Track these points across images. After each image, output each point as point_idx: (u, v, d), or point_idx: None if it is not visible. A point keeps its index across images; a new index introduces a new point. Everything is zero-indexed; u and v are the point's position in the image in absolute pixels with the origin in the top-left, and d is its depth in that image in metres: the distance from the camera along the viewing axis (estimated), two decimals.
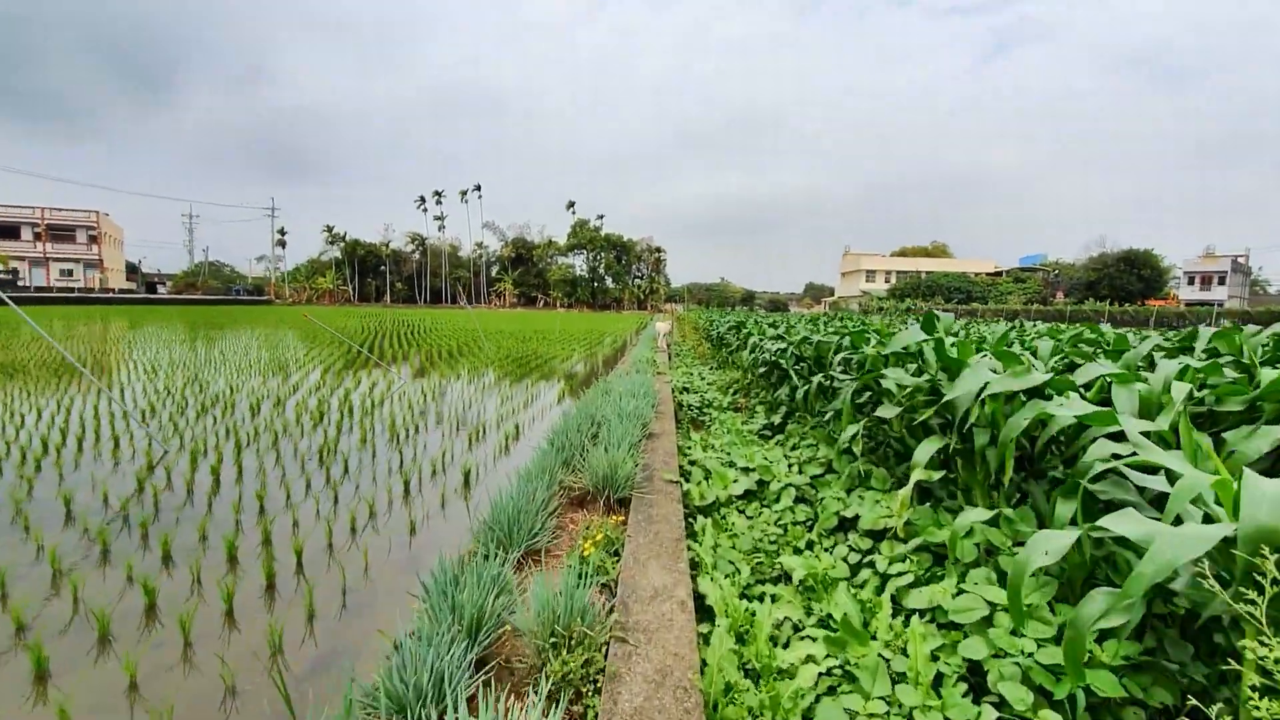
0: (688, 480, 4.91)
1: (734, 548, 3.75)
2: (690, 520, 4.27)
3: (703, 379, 10.78)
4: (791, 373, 5.61)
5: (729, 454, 5.47)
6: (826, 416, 4.83)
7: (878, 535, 3.55)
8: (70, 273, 71.44)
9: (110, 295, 60.95)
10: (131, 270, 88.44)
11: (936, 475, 3.05)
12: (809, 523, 4.09)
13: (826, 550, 3.78)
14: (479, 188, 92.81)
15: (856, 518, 3.77)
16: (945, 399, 3.06)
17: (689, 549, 3.62)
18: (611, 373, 12.36)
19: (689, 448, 5.91)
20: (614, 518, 3.70)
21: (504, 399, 9.64)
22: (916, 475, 3.00)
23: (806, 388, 5.14)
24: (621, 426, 5.25)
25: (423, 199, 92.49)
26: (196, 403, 8.38)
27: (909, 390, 3.58)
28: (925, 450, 3.05)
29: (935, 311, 4.13)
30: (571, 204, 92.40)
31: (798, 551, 3.83)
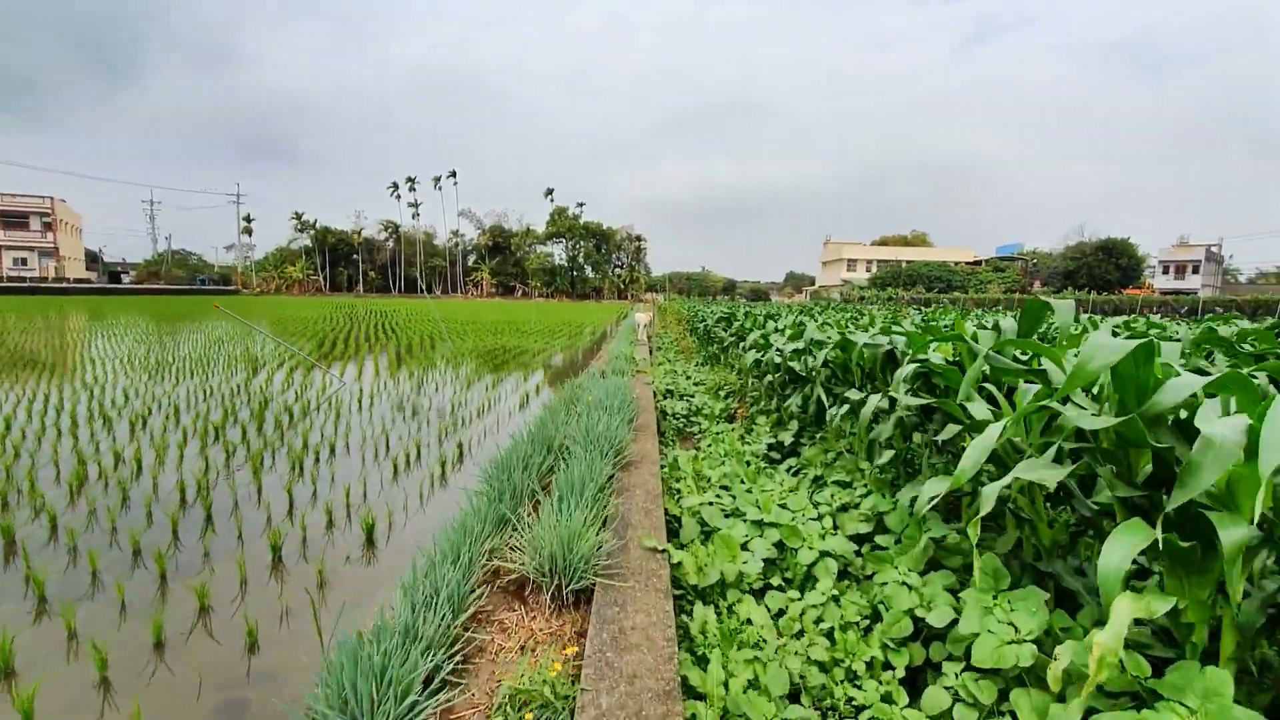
0: (677, 536, 3.49)
1: (756, 685, 2.33)
2: (684, 607, 2.86)
3: (689, 378, 9.36)
4: (821, 390, 4.19)
5: (732, 494, 4.05)
6: (881, 459, 3.40)
7: (991, 669, 2.16)
8: (25, 261, 67.92)
9: (64, 285, 57.81)
10: (92, 259, 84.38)
11: (1163, 605, 1.63)
12: (864, 623, 2.69)
13: (901, 680, 2.38)
14: (454, 174, 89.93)
15: (951, 625, 2.38)
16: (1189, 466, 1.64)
17: (684, 680, 2.22)
18: (585, 370, 10.93)
19: (677, 480, 4.48)
20: (559, 654, 2.26)
21: (455, 405, 8.13)
22: (1128, 608, 1.58)
23: (842, 409, 3.71)
24: (586, 460, 3.80)
25: (395, 185, 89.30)
26: (69, 417, 6.75)
27: (1066, 433, 2.17)
28: (1121, 548, 1.63)
29: (1045, 299, 2.73)
30: (550, 191, 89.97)
31: (853, 680, 2.43)
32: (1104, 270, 69.34)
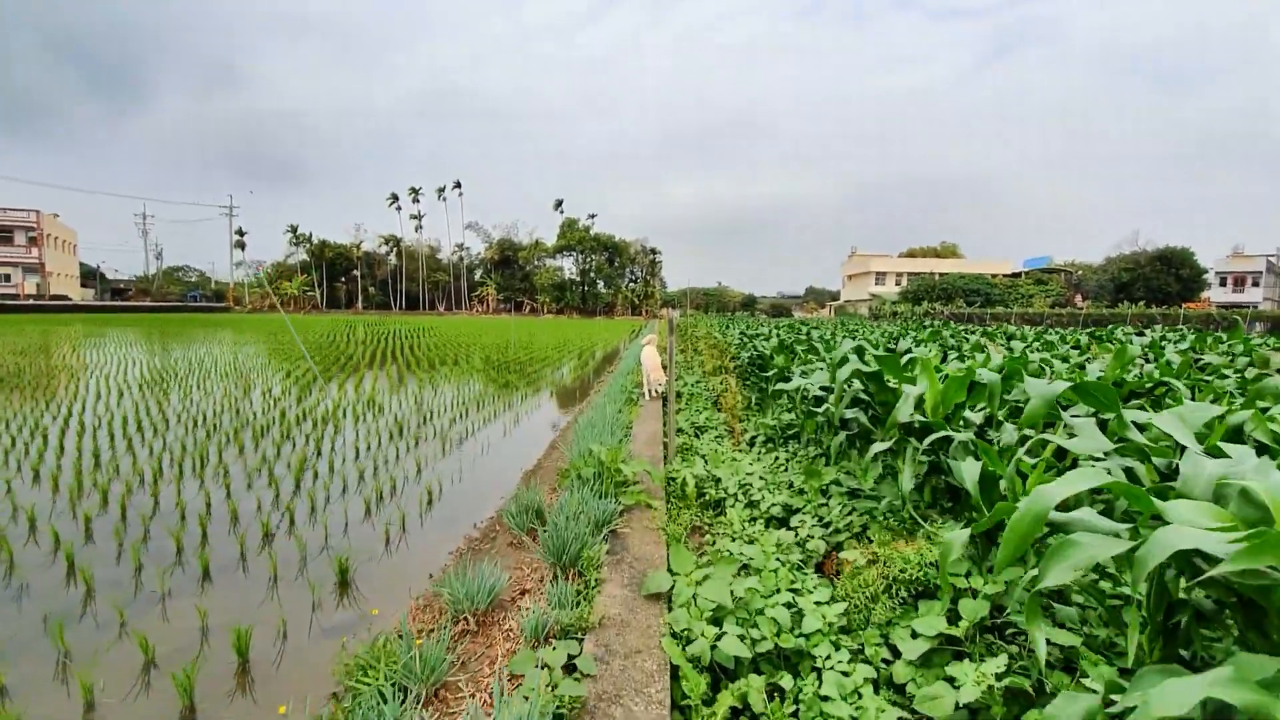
0: None
1: None
2: None
3: (765, 540, 3.78)
4: None
5: None
6: None
7: None
8: (8, 278, 64.13)
9: (29, 304, 53.73)
10: (89, 275, 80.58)
11: None
12: None
13: None
14: (459, 185, 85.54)
15: None
16: None
17: None
18: (531, 483, 5.47)
19: None
20: None
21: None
22: None
23: None
24: None
25: (395, 197, 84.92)
26: None
27: None
28: None
29: None
30: (560, 203, 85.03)
31: None
32: (1162, 282, 62.37)
